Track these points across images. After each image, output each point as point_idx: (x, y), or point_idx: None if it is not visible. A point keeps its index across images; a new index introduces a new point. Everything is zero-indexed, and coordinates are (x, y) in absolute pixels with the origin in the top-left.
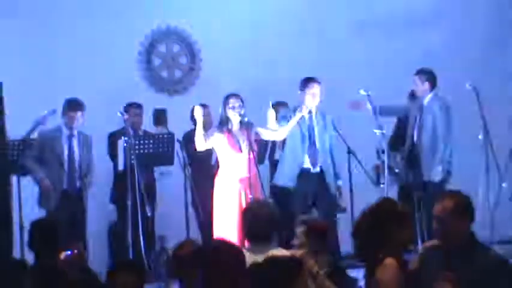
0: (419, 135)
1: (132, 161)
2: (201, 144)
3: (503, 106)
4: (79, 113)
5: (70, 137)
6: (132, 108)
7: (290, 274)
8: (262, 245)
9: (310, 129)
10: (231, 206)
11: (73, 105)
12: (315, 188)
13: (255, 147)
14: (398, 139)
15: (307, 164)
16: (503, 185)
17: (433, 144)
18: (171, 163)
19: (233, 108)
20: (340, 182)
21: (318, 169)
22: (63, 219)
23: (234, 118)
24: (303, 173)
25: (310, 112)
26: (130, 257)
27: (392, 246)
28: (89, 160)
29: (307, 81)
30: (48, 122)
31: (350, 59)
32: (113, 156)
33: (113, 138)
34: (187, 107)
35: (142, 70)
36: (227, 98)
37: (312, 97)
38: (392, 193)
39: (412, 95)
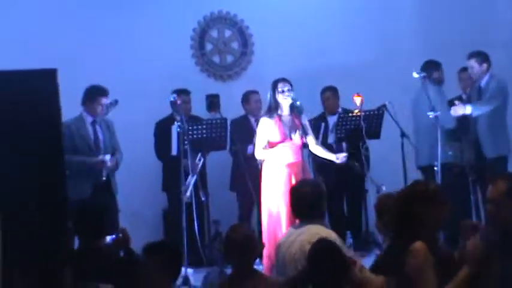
0: (478, 117)
1: (186, 146)
2: (259, 154)
3: None
4: (104, 100)
5: (93, 123)
6: (183, 95)
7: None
8: (306, 222)
9: None
10: (279, 191)
11: (100, 92)
12: None
13: (309, 131)
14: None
15: None
16: None
17: (493, 123)
18: (224, 148)
19: (282, 92)
20: None
21: None
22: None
23: (284, 102)
24: None
25: None
26: (185, 243)
27: (425, 227)
28: (115, 143)
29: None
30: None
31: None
32: (160, 143)
33: (162, 125)
34: (240, 91)
35: (194, 56)
36: (276, 82)
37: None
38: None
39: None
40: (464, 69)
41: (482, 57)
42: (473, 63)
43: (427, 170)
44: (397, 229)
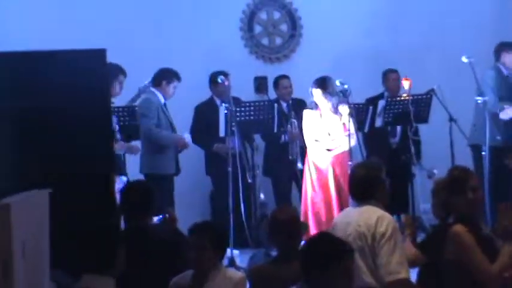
0: None
1: (233, 128)
2: (312, 146)
3: None
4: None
5: (165, 105)
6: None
7: None
8: (361, 204)
9: None
10: (322, 180)
11: (176, 76)
12: None
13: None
14: None
15: None
16: None
17: None
18: (272, 130)
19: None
20: None
21: None
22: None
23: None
24: None
25: None
26: (231, 224)
27: (462, 211)
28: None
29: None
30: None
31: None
32: (196, 127)
33: (201, 109)
34: (288, 74)
35: (243, 38)
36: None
37: None
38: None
39: None
40: None
41: None
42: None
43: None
44: (441, 214)
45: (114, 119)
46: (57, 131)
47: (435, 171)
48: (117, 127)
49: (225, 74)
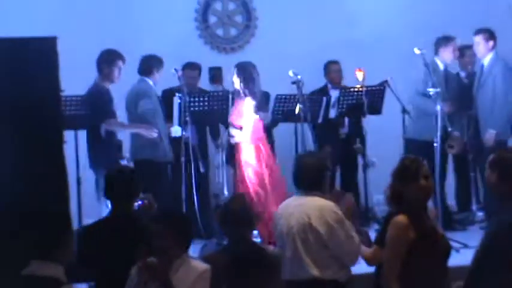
0: (477, 96)
1: (187, 118)
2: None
3: None
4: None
5: None
6: (188, 69)
7: None
8: (305, 194)
9: None
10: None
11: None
12: None
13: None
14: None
15: None
16: None
17: (491, 105)
18: (226, 121)
19: None
20: None
21: None
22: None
23: None
24: None
25: None
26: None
27: (408, 202)
28: None
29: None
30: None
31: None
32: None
33: (166, 94)
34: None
35: (198, 28)
36: None
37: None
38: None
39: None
40: (468, 47)
41: (488, 34)
42: (479, 40)
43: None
44: (390, 204)
45: None
46: (6, 117)
47: (374, 159)
48: None
49: (190, 66)
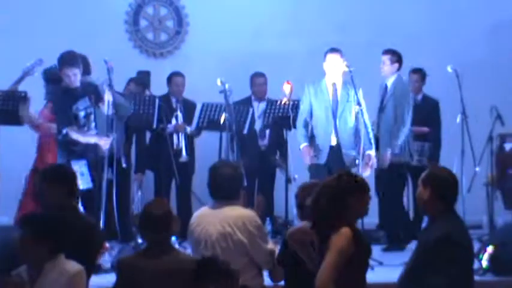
0: (380, 117)
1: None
2: None
3: (485, 92)
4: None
5: None
6: (132, 84)
7: None
8: (223, 204)
9: (334, 104)
10: None
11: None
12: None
13: None
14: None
15: (333, 141)
16: (477, 169)
17: (392, 127)
18: (151, 125)
19: None
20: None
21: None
22: None
23: None
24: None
25: (334, 85)
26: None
27: (349, 216)
28: None
29: (326, 52)
30: (35, 72)
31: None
32: None
33: None
34: (171, 70)
35: (128, 31)
36: None
37: (331, 67)
38: None
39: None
40: (415, 70)
41: (396, 56)
42: (385, 60)
43: None
44: (325, 218)
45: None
46: None
47: (295, 175)
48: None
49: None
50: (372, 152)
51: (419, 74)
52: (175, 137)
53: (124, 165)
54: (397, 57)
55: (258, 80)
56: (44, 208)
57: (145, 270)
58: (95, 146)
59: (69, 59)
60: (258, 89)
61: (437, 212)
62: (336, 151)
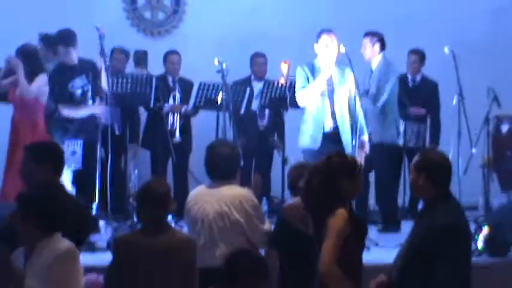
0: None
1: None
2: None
3: (482, 74)
4: None
5: None
6: (116, 52)
7: None
8: (220, 183)
9: (329, 87)
10: None
11: None
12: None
13: None
14: None
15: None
16: (473, 151)
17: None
18: (149, 104)
19: None
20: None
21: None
22: None
23: None
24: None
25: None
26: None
27: (342, 197)
28: None
29: (319, 33)
30: None
31: None
32: None
33: None
34: (168, 49)
35: (125, 10)
36: None
37: (326, 49)
38: None
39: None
40: (413, 51)
41: (376, 37)
42: (365, 42)
43: None
44: (318, 199)
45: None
46: None
47: (290, 157)
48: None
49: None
50: (366, 137)
51: (418, 54)
52: (170, 117)
53: (117, 132)
54: (377, 38)
55: (258, 59)
56: (29, 186)
57: (143, 248)
58: (92, 121)
59: (65, 36)
60: (258, 68)
61: (433, 197)
62: (331, 136)
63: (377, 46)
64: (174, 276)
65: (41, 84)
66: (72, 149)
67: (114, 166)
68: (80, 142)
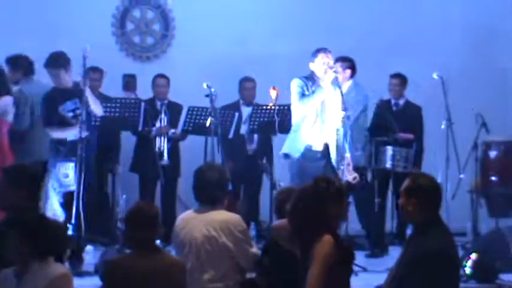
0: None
1: (97, 123)
2: None
3: (470, 100)
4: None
5: None
6: (91, 72)
7: None
8: (208, 208)
9: (322, 106)
10: None
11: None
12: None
13: None
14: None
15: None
16: (461, 176)
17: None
18: (137, 128)
19: None
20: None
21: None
22: None
23: None
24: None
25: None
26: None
27: (328, 222)
28: None
29: (316, 51)
30: None
31: None
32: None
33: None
34: (157, 73)
35: (115, 34)
36: None
37: (323, 67)
38: None
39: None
40: (393, 75)
41: (347, 62)
42: (337, 67)
43: None
44: (304, 224)
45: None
46: None
47: (280, 182)
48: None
49: (94, 70)
50: (348, 155)
51: (399, 78)
52: (158, 139)
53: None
54: (348, 63)
55: (247, 84)
56: (4, 208)
57: (134, 270)
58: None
59: (54, 59)
60: (246, 93)
61: (423, 221)
62: (320, 151)
63: (348, 72)
64: None
65: (5, 103)
66: (64, 171)
67: (99, 189)
68: (71, 165)
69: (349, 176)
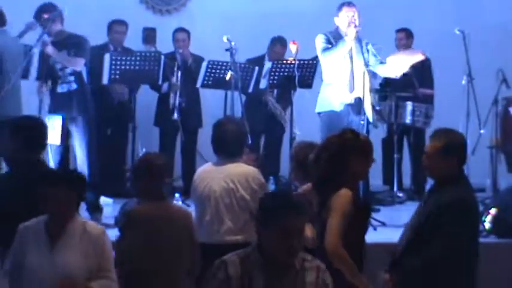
0: None
1: (117, 76)
2: None
3: (492, 55)
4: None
5: None
6: (115, 25)
7: None
8: (227, 160)
9: (350, 60)
10: None
11: None
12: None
13: None
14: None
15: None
16: (482, 131)
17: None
18: (156, 82)
19: None
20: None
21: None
22: None
23: None
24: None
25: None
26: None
27: (350, 177)
28: None
29: (340, 5)
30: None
31: None
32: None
33: (94, 52)
34: (177, 27)
35: None
36: None
37: (347, 21)
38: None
39: None
40: (399, 30)
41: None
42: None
43: None
44: (326, 174)
45: None
46: None
47: (297, 132)
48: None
49: (118, 22)
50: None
51: (404, 32)
52: (171, 95)
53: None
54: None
55: (276, 48)
56: (5, 160)
57: (152, 217)
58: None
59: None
60: (274, 56)
61: (449, 175)
62: (352, 106)
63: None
64: (178, 245)
65: None
66: (51, 125)
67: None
68: (59, 118)
69: None
